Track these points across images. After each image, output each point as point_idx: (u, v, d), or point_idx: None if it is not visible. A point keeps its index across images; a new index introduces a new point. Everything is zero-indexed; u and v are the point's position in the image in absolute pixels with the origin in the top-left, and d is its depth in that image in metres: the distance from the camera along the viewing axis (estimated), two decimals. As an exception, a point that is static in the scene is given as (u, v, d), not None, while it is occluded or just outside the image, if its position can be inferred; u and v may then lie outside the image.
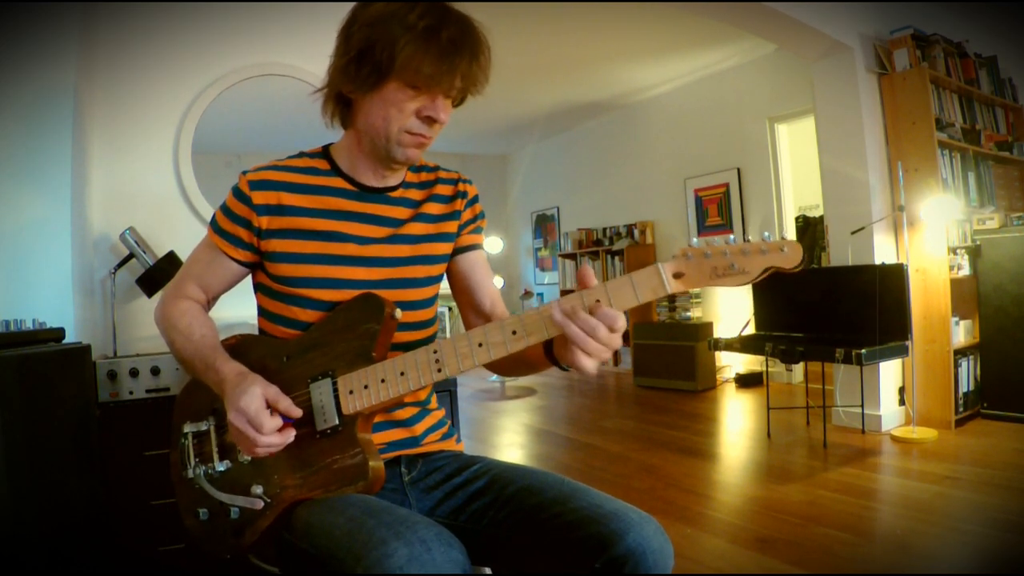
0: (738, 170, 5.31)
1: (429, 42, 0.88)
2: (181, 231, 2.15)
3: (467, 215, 1.14)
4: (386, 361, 0.94)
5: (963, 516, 2.31)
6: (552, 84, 5.57)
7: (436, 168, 1.14)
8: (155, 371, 1.76)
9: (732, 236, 0.83)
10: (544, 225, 7.74)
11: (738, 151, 5.31)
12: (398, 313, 0.98)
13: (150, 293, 1.98)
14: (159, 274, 1.94)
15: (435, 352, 0.91)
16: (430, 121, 0.96)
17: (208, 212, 2.18)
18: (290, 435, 0.93)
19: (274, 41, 2.33)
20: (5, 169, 1.71)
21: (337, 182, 1.05)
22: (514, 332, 0.86)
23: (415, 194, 1.10)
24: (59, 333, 1.53)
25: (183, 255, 1.98)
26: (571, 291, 7.45)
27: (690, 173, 5.71)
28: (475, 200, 1.16)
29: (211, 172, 2.23)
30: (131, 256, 1.99)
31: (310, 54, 2.35)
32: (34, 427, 1.30)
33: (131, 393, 1.74)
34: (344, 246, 1.02)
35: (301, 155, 1.08)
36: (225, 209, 1.03)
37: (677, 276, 0.81)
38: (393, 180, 1.08)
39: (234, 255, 1.03)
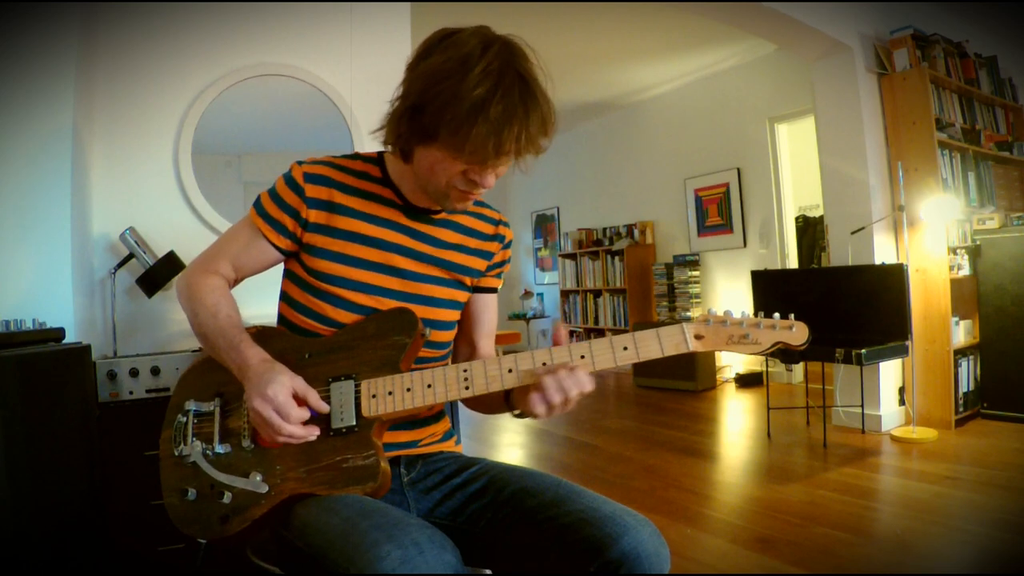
0: (738, 170, 5.31)
1: (476, 120, 0.84)
2: (181, 231, 2.14)
3: (498, 258, 1.17)
4: (414, 372, 0.96)
5: (963, 516, 2.32)
6: (552, 84, 5.53)
7: (482, 203, 1.15)
8: (155, 371, 1.76)
9: (745, 310, 0.95)
10: (544, 225, 7.74)
11: (738, 151, 5.31)
12: (428, 332, 1.01)
13: (150, 293, 1.98)
14: (159, 274, 1.94)
15: (464, 371, 0.94)
16: (475, 185, 0.96)
17: (208, 212, 2.18)
18: (314, 431, 0.94)
19: (274, 41, 2.32)
20: (5, 169, 1.71)
21: (387, 192, 1.06)
22: (544, 363, 0.93)
23: (457, 220, 1.12)
24: (59, 333, 1.53)
25: (183, 255, 1.99)
26: (571, 291, 7.36)
27: (690, 173, 5.71)
28: (508, 245, 1.19)
29: (211, 172, 2.23)
30: (131, 256, 1.99)
31: (310, 54, 2.34)
32: (34, 427, 1.30)
33: (131, 393, 1.74)
34: (385, 255, 1.04)
35: (356, 157, 1.09)
36: (273, 194, 1.04)
37: (698, 337, 0.92)
38: (438, 205, 1.08)
39: (275, 241, 1.04)
